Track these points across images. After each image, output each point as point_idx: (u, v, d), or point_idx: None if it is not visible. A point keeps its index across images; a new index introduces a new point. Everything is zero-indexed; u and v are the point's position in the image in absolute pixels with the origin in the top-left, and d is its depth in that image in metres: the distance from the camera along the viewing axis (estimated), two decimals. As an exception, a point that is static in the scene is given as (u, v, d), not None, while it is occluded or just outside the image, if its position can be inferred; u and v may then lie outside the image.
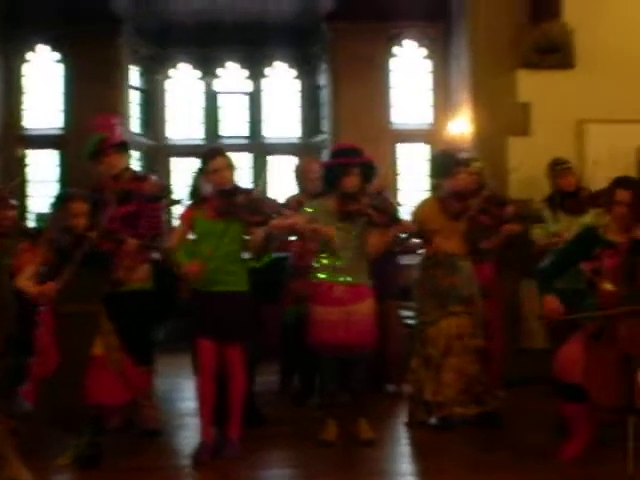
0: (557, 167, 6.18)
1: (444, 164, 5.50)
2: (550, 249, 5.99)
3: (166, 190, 5.40)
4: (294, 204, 5.89)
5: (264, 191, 9.07)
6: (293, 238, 5.79)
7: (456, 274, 5.36)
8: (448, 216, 5.39)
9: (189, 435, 5.20)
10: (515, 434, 5.22)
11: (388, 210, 5.07)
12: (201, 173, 4.82)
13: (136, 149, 12.67)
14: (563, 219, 6.10)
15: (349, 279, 4.96)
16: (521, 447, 4.88)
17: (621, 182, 4.71)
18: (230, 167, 4.79)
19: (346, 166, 4.97)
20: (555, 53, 6.89)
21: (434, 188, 5.72)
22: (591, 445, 4.57)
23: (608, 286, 4.53)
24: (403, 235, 5.40)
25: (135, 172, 5.49)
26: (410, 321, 7.47)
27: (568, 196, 6.13)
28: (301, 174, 6.20)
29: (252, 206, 4.65)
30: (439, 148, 10.64)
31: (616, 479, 4.19)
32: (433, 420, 5.32)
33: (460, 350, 5.30)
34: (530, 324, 6.69)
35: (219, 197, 4.70)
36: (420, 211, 5.52)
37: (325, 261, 5.01)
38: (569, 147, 6.75)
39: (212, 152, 4.90)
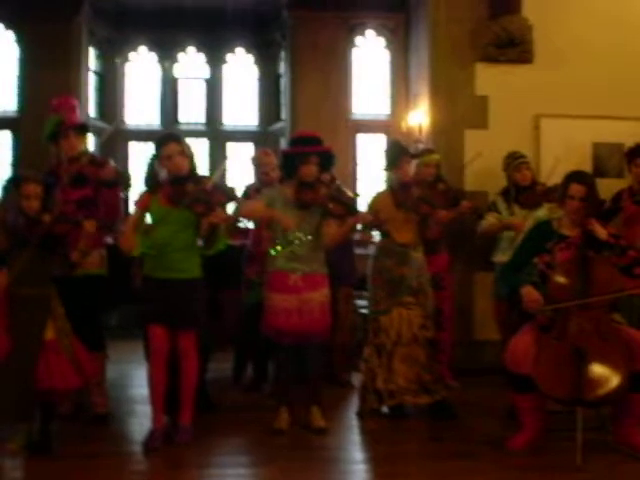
0: (513, 161, 6.24)
1: (392, 155, 5.52)
2: (496, 235, 6.10)
3: (124, 176, 5.33)
4: (253, 193, 5.89)
5: (222, 179, 8.99)
6: (251, 225, 5.78)
7: (406, 265, 5.38)
8: (397, 206, 5.41)
9: (140, 422, 5.17)
10: (466, 423, 5.27)
11: (346, 201, 5.07)
12: (155, 159, 4.77)
13: (93, 133, 12.51)
14: (518, 212, 6.16)
15: (305, 267, 4.96)
16: (472, 436, 4.93)
17: (575, 177, 4.76)
18: (184, 153, 4.73)
19: (304, 155, 4.96)
20: (514, 47, 6.93)
21: (387, 179, 5.75)
22: (541, 435, 4.64)
23: (560, 279, 4.59)
24: (360, 227, 5.41)
25: (93, 156, 5.40)
26: (364, 310, 7.54)
27: (523, 190, 6.19)
28: (256, 166, 6.18)
29: (200, 196, 4.60)
30: (391, 139, 10.67)
31: (565, 469, 4.26)
32: (385, 409, 5.35)
33: (410, 340, 5.34)
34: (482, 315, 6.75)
35: (171, 184, 4.67)
36: (374, 202, 5.53)
37: (281, 249, 4.99)
38: (525, 141, 6.82)
39: (165, 138, 4.84)
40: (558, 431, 4.71)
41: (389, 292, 5.36)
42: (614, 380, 4.29)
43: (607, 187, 6.18)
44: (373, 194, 5.66)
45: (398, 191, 5.46)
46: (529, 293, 4.60)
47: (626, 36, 7.13)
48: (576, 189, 4.66)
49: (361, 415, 5.37)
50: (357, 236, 5.57)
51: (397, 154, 5.52)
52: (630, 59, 7.08)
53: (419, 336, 5.36)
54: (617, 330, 4.53)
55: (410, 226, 5.44)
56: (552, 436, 4.69)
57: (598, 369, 4.33)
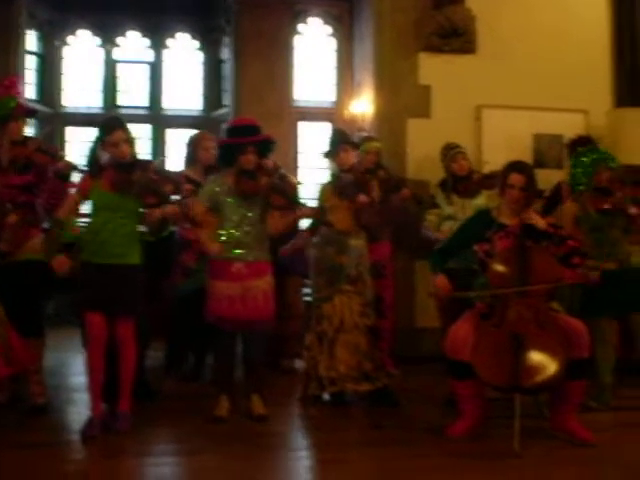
0: (450, 152, 6.27)
1: (332, 142, 5.52)
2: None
3: (76, 168, 5.22)
4: (182, 178, 5.79)
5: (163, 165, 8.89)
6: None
7: (345, 253, 5.39)
8: (338, 195, 5.41)
9: (78, 410, 5.10)
10: (407, 411, 5.31)
11: (287, 192, 5.04)
12: (99, 143, 4.69)
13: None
14: (456, 201, 6.19)
15: (248, 255, 4.93)
16: (412, 423, 4.97)
17: (514, 166, 4.81)
18: (129, 140, 4.67)
19: (242, 144, 4.92)
20: (457, 38, 6.99)
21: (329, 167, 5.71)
22: (480, 422, 4.69)
23: (499, 267, 4.64)
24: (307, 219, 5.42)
25: (41, 143, 5.33)
26: (307, 298, 7.54)
27: (461, 179, 6.24)
28: (194, 144, 6.08)
29: (151, 187, 4.55)
30: (334, 127, 10.67)
31: (503, 455, 4.31)
32: (326, 396, 5.36)
33: (352, 327, 5.35)
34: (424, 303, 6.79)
35: (116, 170, 4.59)
36: (321, 190, 5.55)
37: (224, 237, 4.95)
38: (467, 131, 6.88)
39: (111, 124, 4.73)
40: (497, 418, 4.76)
41: (328, 280, 5.37)
42: (551, 367, 4.35)
43: (546, 178, 6.27)
44: (320, 184, 5.64)
45: (337, 178, 5.46)
46: (439, 280, 4.73)
47: (567, 28, 7.24)
48: (516, 178, 4.71)
49: (303, 402, 5.37)
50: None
51: (337, 142, 5.51)
52: (571, 51, 7.19)
53: (360, 324, 5.38)
54: (555, 318, 4.60)
55: (348, 213, 5.44)
56: (491, 423, 4.74)
57: (536, 356, 4.38)
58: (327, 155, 5.57)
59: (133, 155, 4.70)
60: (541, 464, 4.24)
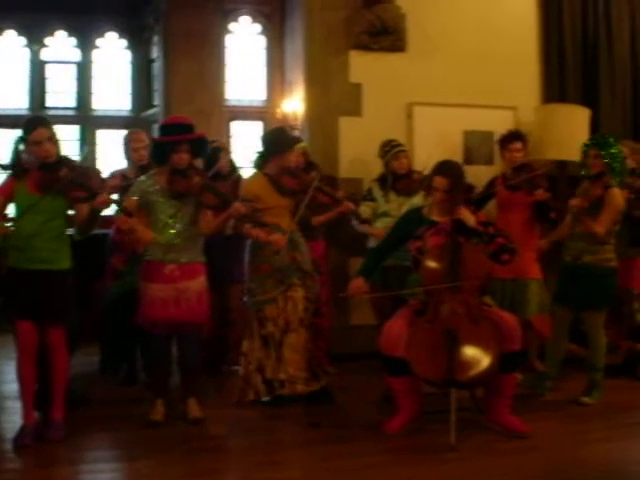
0: (391, 149, 6.29)
1: (280, 142, 5.44)
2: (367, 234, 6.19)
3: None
4: (119, 178, 5.72)
5: (90, 162, 8.76)
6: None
7: (296, 249, 5.36)
8: (281, 192, 5.36)
9: (11, 419, 4.96)
10: (344, 408, 5.32)
11: (219, 192, 4.97)
12: (20, 143, 4.57)
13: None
14: (394, 200, 6.23)
15: (181, 257, 4.87)
16: (349, 421, 4.98)
17: (439, 169, 4.87)
18: (53, 139, 4.56)
19: (174, 143, 4.85)
20: (387, 36, 7.00)
21: (262, 165, 5.62)
22: (416, 417, 4.73)
23: (431, 263, 4.69)
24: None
25: None
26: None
27: (400, 178, 6.28)
28: (127, 144, 6.02)
29: (77, 181, 4.46)
30: (273, 125, 10.64)
31: (439, 449, 4.36)
32: (265, 397, 5.32)
33: (297, 325, 5.31)
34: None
35: (41, 171, 4.49)
36: (252, 188, 5.39)
37: (157, 239, 4.88)
38: (399, 128, 6.91)
39: (33, 122, 4.60)
40: (433, 412, 4.81)
41: (279, 279, 5.29)
42: (485, 361, 4.41)
43: (477, 174, 6.36)
44: (246, 179, 5.57)
45: (283, 178, 5.38)
46: (354, 281, 4.94)
47: (496, 25, 7.31)
48: (439, 181, 4.78)
49: (240, 405, 5.30)
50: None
51: (288, 142, 5.45)
52: (500, 48, 7.27)
53: (305, 319, 5.34)
54: (487, 312, 4.66)
55: (288, 212, 5.41)
56: (427, 417, 4.79)
57: (469, 351, 4.44)
58: (273, 154, 5.43)
59: (58, 154, 4.60)
60: (477, 457, 4.30)
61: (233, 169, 6.28)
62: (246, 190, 5.39)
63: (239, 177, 6.23)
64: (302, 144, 6.17)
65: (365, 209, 6.21)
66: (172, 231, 4.87)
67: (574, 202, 5.45)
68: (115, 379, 5.96)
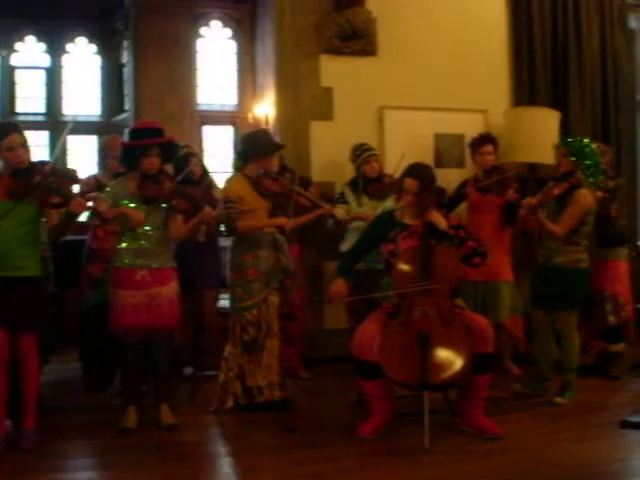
0: (362, 153, 6.30)
1: (262, 146, 5.39)
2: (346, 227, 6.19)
3: None
4: (93, 183, 5.68)
5: (61, 163, 8.69)
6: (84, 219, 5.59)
7: (280, 251, 5.33)
8: (262, 195, 5.31)
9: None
10: (317, 413, 5.31)
11: (190, 196, 4.94)
12: None
13: None
14: (366, 203, 6.24)
15: (152, 262, 4.84)
16: (323, 425, 4.97)
17: (409, 171, 4.88)
18: (25, 145, 4.52)
19: (145, 147, 4.82)
20: (358, 40, 7.01)
21: (241, 167, 5.58)
22: (390, 420, 4.73)
23: (403, 266, 4.70)
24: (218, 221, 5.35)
25: None
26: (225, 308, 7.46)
27: (371, 181, 6.29)
28: (104, 150, 5.98)
29: (52, 187, 4.44)
30: (244, 130, 10.60)
31: (413, 452, 4.36)
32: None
33: (276, 331, 5.31)
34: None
35: (13, 177, 4.44)
36: (234, 190, 5.30)
37: (126, 245, 4.86)
38: (370, 132, 6.92)
39: (6, 128, 4.56)
40: (406, 415, 4.82)
41: (265, 282, 5.25)
42: (457, 363, 4.42)
43: (448, 177, 6.38)
44: (227, 180, 5.53)
45: (264, 180, 5.31)
46: (336, 284, 4.90)
47: (467, 29, 7.36)
48: (409, 183, 4.79)
49: (215, 413, 5.26)
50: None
51: (271, 147, 5.41)
52: (470, 52, 7.32)
53: (278, 324, 5.34)
54: (459, 314, 4.68)
55: (267, 214, 5.37)
56: (401, 420, 4.80)
57: (442, 353, 4.45)
58: (254, 156, 5.34)
59: (29, 160, 4.56)
60: (451, 459, 4.31)
61: (205, 173, 6.26)
62: (229, 191, 5.32)
63: (211, 182, 6.22)
64: None
65: (339, 210, 6.21)
66: (142, 236, 4.83)
67: (527, 201, 5.48)
68: (94, 388, 5.87)
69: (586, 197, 5.44)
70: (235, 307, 5.32)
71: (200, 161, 6.33)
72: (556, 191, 5.39)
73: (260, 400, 5.25)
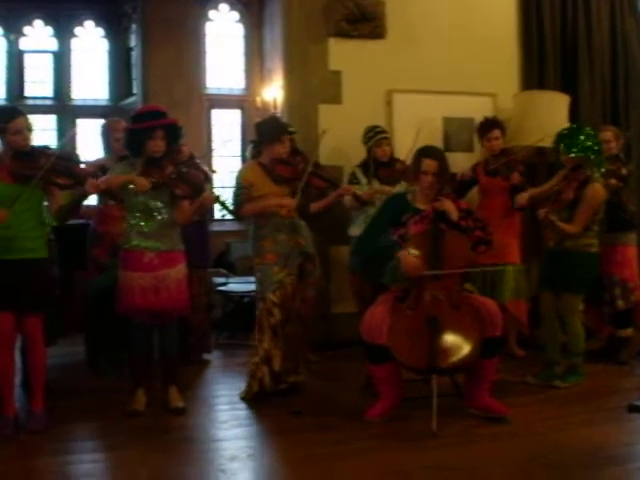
0: (375, 135, 6.28)
1: (271, 130, 5.39)
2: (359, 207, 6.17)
3: None
4: (99, 166, 5.66)
5: (70, 150, 8.66)
6: (94, 204, 5.59)
7: (299, 234, 5.30)
8: (275, 181, 5.30)
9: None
10: (325, 396, 5.33)
11: (192, 181, 4.92)
12: None
13: None
14: (377, 188, 6.23)
15: (160, 245, 4.85)
16: (332, 408, 4.98)
17: (426, 152, 4.87)
18: (29, 128, 4.53)
19: (149, 129, 4.80)
20: (366, 23, 6.98)
21: (257, 153, 5.60)
22: (398, 404, 4.74)
23: (413, 251, 4.68)
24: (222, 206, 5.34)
25: None
26: (222, 288, 7.49)
27: (382, 165, 6.27)
28: (107, 134, 5.95)
29: (59, 168, 4.44)
30: (261, 112, 10.57)
31: (421, 436, 4.37)
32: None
33: (294, 316, 5.31)
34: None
35: (16, 159, 4.45)
36: (245, 177, 5.31)
37: (135, 227, 4.86)
38: (378, 116, 6.89)
39: (12, 112, 4.59)
40: (415, 399, 4.83)
41: (284, 264, 5.21)
42: (466, 347, 4.42)
43: (457, 161, 6.36)
44: (240, 169, 5.53)
45: (277, 166, 5.30)
46: (409, 260, 4.63)
47: (476, 11, 7.32)
48: (428, 164, 4.77)
49: (246, 400, 5.21)
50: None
51: (279, 130, 5.38)
52: (480, 35, 7.27)
53: (299, 312, 5.36)
54: (468, 299, 4.68)
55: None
56: (409, 404, 4.80)
57: (451, 337, 4.45)
58: (268, 141, 5.32)
59: (29, 144, 4.56)
60: (459, 442, 4.32)
61: (191, 156, 6.19)
62: (240, 178, 5.35)
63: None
64: (291, 129, 6.06)
65: (355, 187, 6.19)
66: (149, 220, 4.84)
67: (541, 213, 5.46)
68: (103, 371, 5.90)
69: (597, 192, 5.41)
70: (258, 292, 5.32)
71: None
72: (569, 195, 5.37)
73: (284, 387, 5.25)
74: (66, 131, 12.57)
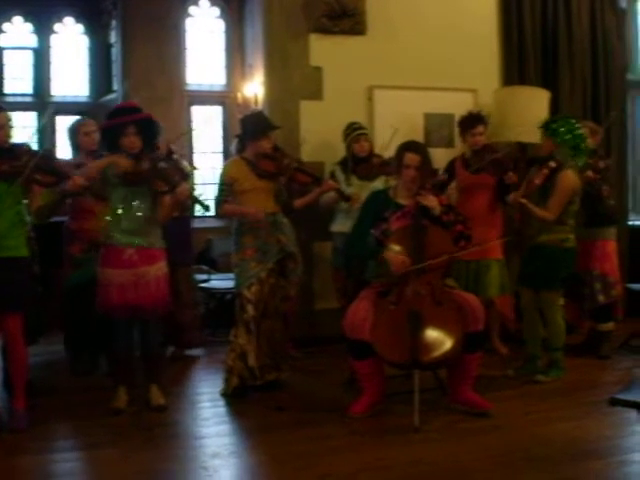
0: (352, 132, 6.29)
1: (257, 126, 5.37)
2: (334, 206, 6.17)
3: None
4: (70, 169, 5.63)
5: (50, 148, 8.62)
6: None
7: (280, 231, 5.31)
8: (259, 176, 5.30)
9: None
10: (308, 392, 5.34)
11: (168, 177, 4.89)
12: None
13: None
14: (355, 184, 6.24)
15: (140, 241, 4.82)
16: (314, 404, 5.00)
17: (409, 146, 4.89)
18: (9, 124, 4.51)
19: (122, 125, 4.77)
20: (347, 19, 6.97)
21: (241, 149, 5.59)
22: (380, 399, 4.75)
23: (395, 247, 4.69)
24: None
25: None
26: (205, 285, 7.47)
27: (360, 161, 6.28)
28: (73, 133, 5.91)
29: (43, 166, 4.42)
30: (245, 110, 10.51)
31: (403, 431, 4.39)
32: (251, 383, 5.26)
33: (272, 312, 5.30)
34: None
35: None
36: (229, 172, 5.34)
37: (115, 224, 4.83)
38: (360, 112, 6.89)
39: None
40: (397, 394, 4.84)
41: (260, 259, 5.23)
42: (448, 342, 4.44)
43: (438, 157, 6.35)
44: (224, 165, 5.52)
45: (261, 161, 5.30)
46: (396, 257, 4.64)
47: (456, 7, 7.32)
48: (411, 158, 4.78)
49: (226, 396, 5.23)
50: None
51: (265, 126, 5.37)
52: (460, 31, 7.28)
53: (279, 309, 5.35)
54: (450, 294, 4.69)
55: (270, 195, 5.36)
56: (392, 400, 4.82)
57: (433, 332, 4.47)
58: (254, 137, 5.33)
59: (10, 140, 4.54)
60: (442, 437, 4.33)
61: (170, 151, 6.16)
62: (223, 174, 5.37)
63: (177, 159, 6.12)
64: None
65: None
66: (129, 216, 4.81)
67: (511, 197, 5.49)
68: (79, 371, 5.86)
69: (569, 178, 5.44)
70: (236, 287, 5.34)
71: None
72: (537, 181, 5.41)
73: (260, 382, 5.25)
74: (47, 130, 12.46)
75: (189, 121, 12.74)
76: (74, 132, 5.87)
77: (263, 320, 5.27)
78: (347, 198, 6.05)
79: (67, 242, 5.75)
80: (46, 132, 12.54)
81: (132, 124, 4.78)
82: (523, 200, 5.40)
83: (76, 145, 5.86)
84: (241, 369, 5.21)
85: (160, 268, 4.90)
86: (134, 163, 4.76)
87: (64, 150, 7.44)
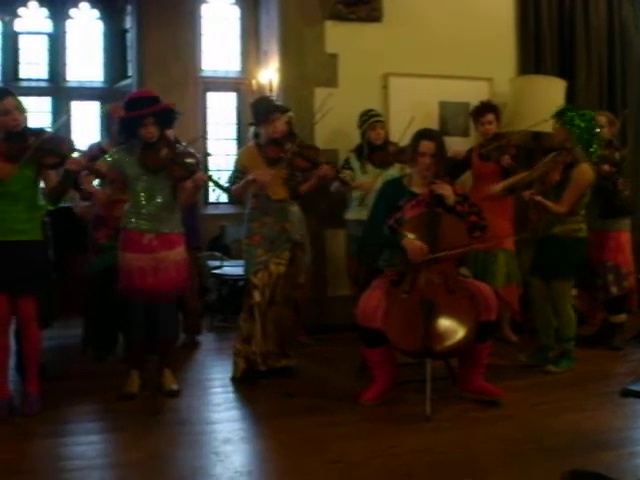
0: (369, 119, 6.27)
1: (262, 110, 5.38)
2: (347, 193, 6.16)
3: None
4: (96, 151, 5.65)
5: (62, 131, 8.62)
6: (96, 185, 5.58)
7: (286, 219, 5.32)
8: (268, 162, 5.31)
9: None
10: (319, 379, 5.34)
11: (186, 163, 4.90)
12: None
13: None
14: (370, 171, 6.23)
15: (160, 227, 4.85)
16: (325, 391, 5.00)
17: (424, 134, 4.86)
18: (20, 108, 4.51)
19: (140, 117, 4.78)
20: (363, 6, 6.96)
21: (255, 135, 5.62)
22: (392, 387, 4.75)
23: (409, 235, 4.68)
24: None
25: None
26: (217, 271, 7.48)
27: (376, 148, 6.26)
28: (108, 119, 5.92)
29: (46, 147, 4.43)
30: (257, 95, 10.50)
31: (414, 419, 4.39)
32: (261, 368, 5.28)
33: (281, 299, 5.31)
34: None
35: (8, 140, 4.43)
36: (241, 159, 5.41)
37: (135, 209, 4.85)
38: (374, 99, 6.88)
39: (0, 93, 4.56)
40: (409, 382, 4.84)
41: (268, 248, 5.25)
42: (461, 331, 4.43)
43: (453, 145, 6.35)
44: (239, 153, 5.54)
45: (268, 147, 5.34)
46: (414, 245, 4.63)
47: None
48: (426, 146, 4.77)
49: (236, 381, 5.25)
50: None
51: (269, 110, 5.37)
52: (477, 19, 7.26)
53: (289, 297, 5.36)
54: (463, 283, 4.68)
55: (281, 181, 5.36)
56: (403, 388, 4.82)
57: (445, 321, 4.46)
58: (258, 122, 5.40)
59: (24, 125, 4.54)
60: (453, 426, 4.33)
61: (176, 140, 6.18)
62: (237, 161, 5.44)
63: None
64: (290, 113, 6.03)
65: (349, 172, 6.19)
66: (149, 202, 4.83)
67: (527, 194, 5.47)
68: (97, 354, 5.89)
69: (585, 173, 5.42)
70: (244, 272, 5.38)
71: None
72: (556, 177, 5.39)
73: (262, 368, 5.26)
74: (60, 114, 12.46)
75: (204, 107, 12.72)
76: (107, 118, 5.86)
77: (270, 307, 5.28)
78: (346, 183, 6.05)
79: (94, 228, 5.77)
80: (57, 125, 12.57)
81: (150, 115, 4.79)
82: (538, 197, 5.38)
83: (108, 131, 5.86)
84: (247, 352, 5.25)
85: (179, 253, 4.92)
86: (150, 158, 4.80)
87: (81, 135, 7.46)
